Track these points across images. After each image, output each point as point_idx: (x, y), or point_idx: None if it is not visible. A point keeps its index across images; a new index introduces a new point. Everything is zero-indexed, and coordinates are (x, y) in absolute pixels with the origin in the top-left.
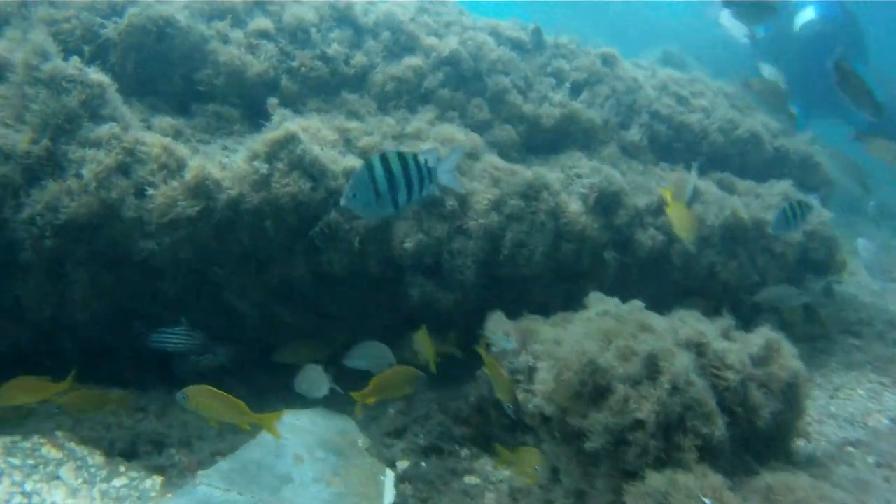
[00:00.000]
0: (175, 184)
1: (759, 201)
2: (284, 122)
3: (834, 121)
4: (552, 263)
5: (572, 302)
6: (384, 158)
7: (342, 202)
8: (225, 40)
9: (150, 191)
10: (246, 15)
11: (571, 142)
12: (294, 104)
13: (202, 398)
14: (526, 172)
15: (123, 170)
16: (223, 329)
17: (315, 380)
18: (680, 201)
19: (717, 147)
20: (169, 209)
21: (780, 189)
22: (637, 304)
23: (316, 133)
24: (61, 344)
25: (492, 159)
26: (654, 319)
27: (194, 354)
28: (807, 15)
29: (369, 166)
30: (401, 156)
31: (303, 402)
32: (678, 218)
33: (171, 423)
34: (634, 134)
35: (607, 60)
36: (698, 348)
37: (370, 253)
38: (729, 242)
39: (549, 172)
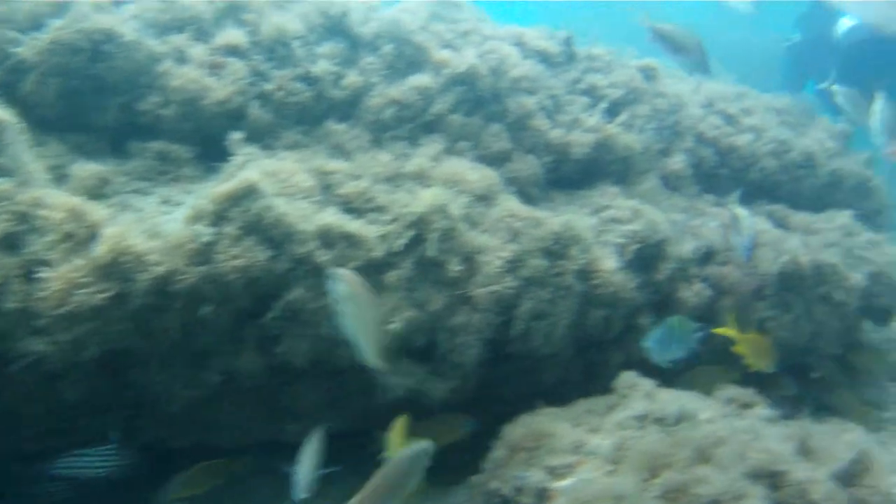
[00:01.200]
0: (79, 262)
1: (817, 238)
2: (247, 165)
3: None
4: (576, 334)
5: (595, 378)
6: None
7: None
8: (181, 59)
9: (44, 272)
10: (214, 25)
11: (605, 174)
12: (264, 138)
13: None
14: (553, 222)
15: (10, 243)
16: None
17: None
18: (747, 332)
19: (768, 173)
20: (66, 297)
21: (840, 223)
22: (686, 402)
23: (288, 179)
24: None
25: (510, 205)
26: (716, 429)
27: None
28: (847, 22)
29: None
30: None
31: None
32: (751, 351)
33: None
34: (677, 162)
35: (648, 74)
36: (773, 479)
37: (341, 339)
38: (784, 293)
39: (580, 219)
